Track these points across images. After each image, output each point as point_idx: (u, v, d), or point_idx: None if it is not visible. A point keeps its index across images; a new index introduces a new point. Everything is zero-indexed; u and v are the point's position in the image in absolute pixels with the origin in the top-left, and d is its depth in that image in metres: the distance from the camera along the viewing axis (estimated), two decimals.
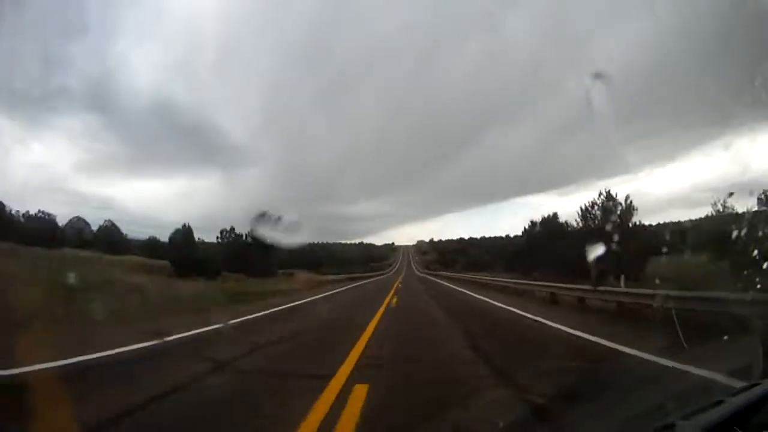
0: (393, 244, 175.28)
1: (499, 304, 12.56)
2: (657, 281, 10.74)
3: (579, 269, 15.70)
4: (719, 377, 3.07)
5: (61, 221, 40.51)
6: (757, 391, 1.41)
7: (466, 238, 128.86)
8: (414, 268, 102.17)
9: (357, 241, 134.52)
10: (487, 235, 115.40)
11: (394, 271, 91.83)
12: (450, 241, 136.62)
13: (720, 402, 1.38)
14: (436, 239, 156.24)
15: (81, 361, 4.48)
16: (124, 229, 45.20)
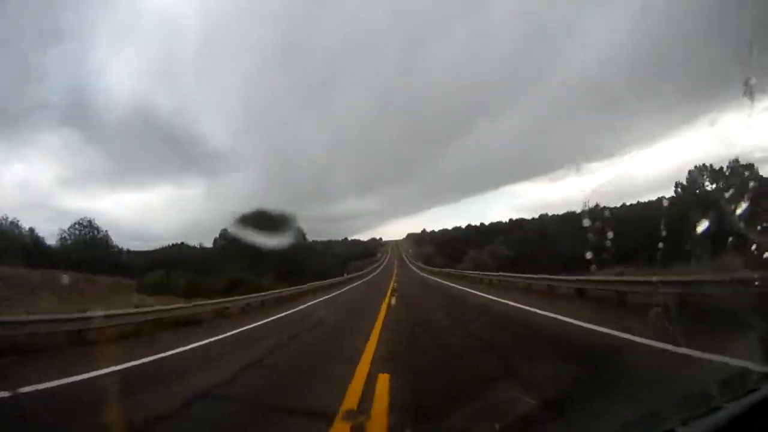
0: (380, 239, 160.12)
1: None
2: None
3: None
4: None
5: (50, 240, 39.94)
6: (755, 397, 1.39)
7: (463, 226, 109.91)
8: (410, 264, 70.79)
9: (341, 238, 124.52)
10: (485, 222, 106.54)
11: (380, 269, 62.12)
12: (445, 231, 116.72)
13: (718, 408, 1.37)
14: (428, 230, 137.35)
15: None
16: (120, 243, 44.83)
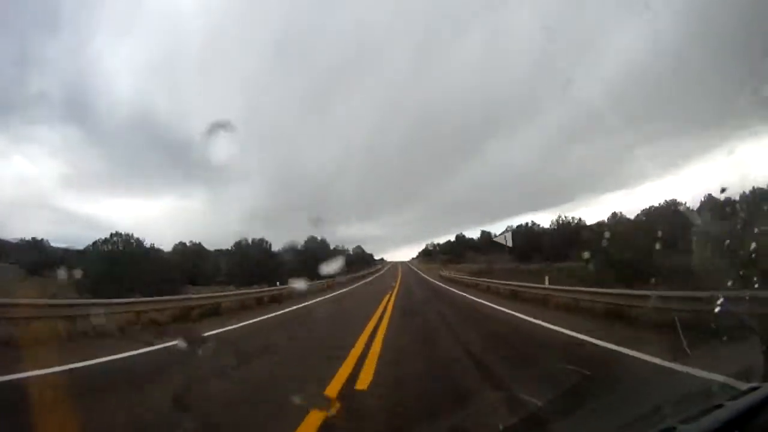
0: (382, 259, 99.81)
1: None
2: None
3: None
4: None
5: (53, 242, 37.89)
6: (756, 395, 1.40)
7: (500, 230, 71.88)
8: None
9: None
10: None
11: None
12: (472, 240, 78.19)
13: (719, 406, 1.38)
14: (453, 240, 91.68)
15: None
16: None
